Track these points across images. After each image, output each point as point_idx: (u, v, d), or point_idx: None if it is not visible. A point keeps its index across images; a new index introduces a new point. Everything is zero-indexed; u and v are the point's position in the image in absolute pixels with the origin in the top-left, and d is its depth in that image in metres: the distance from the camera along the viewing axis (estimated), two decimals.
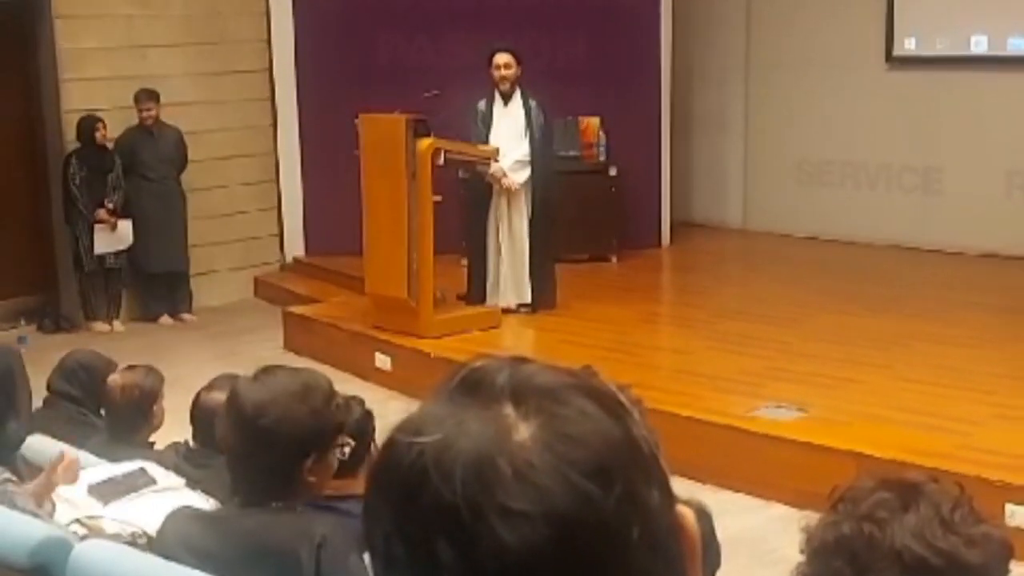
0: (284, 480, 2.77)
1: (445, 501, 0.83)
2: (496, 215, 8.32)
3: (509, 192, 8.23)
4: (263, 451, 2.70)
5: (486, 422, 0.85)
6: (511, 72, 8.18)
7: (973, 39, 10.12)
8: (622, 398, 0.91)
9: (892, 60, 10.51)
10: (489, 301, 8.35)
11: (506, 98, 8.26)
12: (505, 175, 8.13)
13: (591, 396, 0.88)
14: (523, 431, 0.85)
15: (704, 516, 0.92)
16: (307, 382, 2.80)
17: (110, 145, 9.38)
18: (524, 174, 8.20)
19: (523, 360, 0.91)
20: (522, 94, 8.25)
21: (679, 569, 0.90)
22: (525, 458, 0.83)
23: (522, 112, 8.23)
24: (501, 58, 8.19)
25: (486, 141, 8.17)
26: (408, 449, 0.87)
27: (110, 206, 9.29)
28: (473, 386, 0.89)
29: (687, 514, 0.92)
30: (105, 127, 9.24)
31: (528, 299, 8.35)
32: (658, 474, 0.89)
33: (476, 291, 8.40)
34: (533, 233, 8.28)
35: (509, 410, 0.86)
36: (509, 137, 8.17)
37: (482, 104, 8.27)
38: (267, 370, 2.80)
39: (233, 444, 2.71)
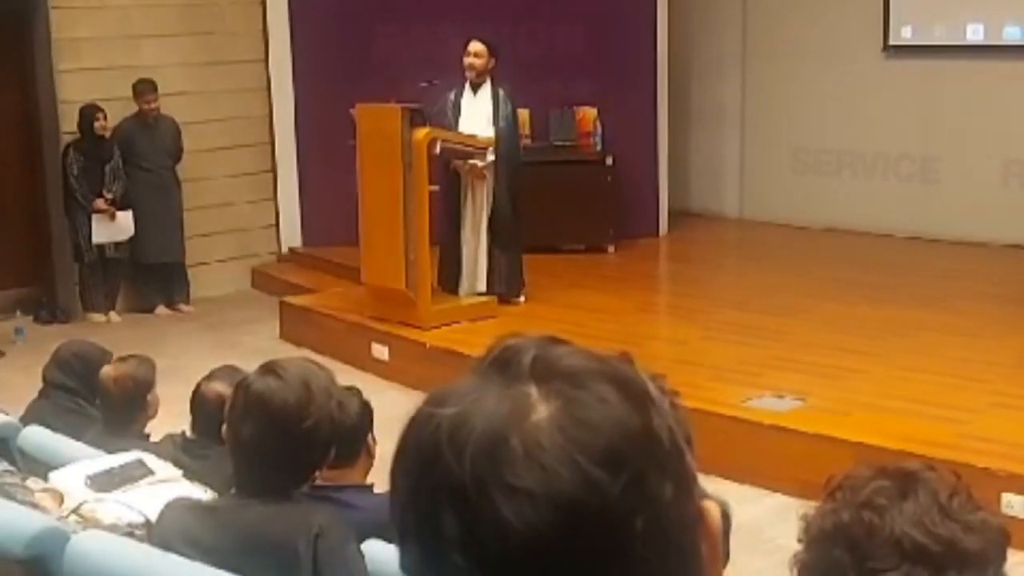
0: (305, 475, 2.81)
1: (454, 475, 0.83)
2: (464, 203, 8.30)
3: (474, 178, 8.20)
4: (297, 449, 2.72)
5: (505, 400, 0.86)
6: (480, 62, 8.13)
7: (969, 27, 10.11)
8: (651, 388, 0.90)
9: (888, 49, 10.50)
10: (459, 290, 8.31)
11: (475, 87, 8.22)
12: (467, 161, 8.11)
13: (615, 383, 0.88)
14: (540, 411, 0.85)
15: (724, 517, 0.91)
16: (324, 376, 2.83)
17: (108, 135, 9.35)
18: (487, 160, 8.14)
19: (555, 341, 0.92)
20: (492, 84, 8.22)
21: (695, 564, 0.90)
22: (537, 438, 0.83)
23: (490, 102, 8.20)
24: (472, 46, 8.15)
25: (455, 130, 8.16)
26: (427, 421, 0.87)
27: (108, 196, 9.28)
28: (501, 364, 0.89)
29: (712, 510, 0.91)
30: (105, 117, 9.22)
31: (483, 288, 8.31)
32: (676, 468, 0.88)
33: (448, 280, 8.33)
34: (494, 222, 8.25)
35: (531, 390, 0.86)
36: (476, 126, 8.12)
37: (452, 94, 8.24)
38: (279, 364, 2.80)
39: (260, 441, 2.69)
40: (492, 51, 8.17)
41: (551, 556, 0.82)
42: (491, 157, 8.13)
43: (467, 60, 8.14)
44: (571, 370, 0.88)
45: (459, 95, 8.23)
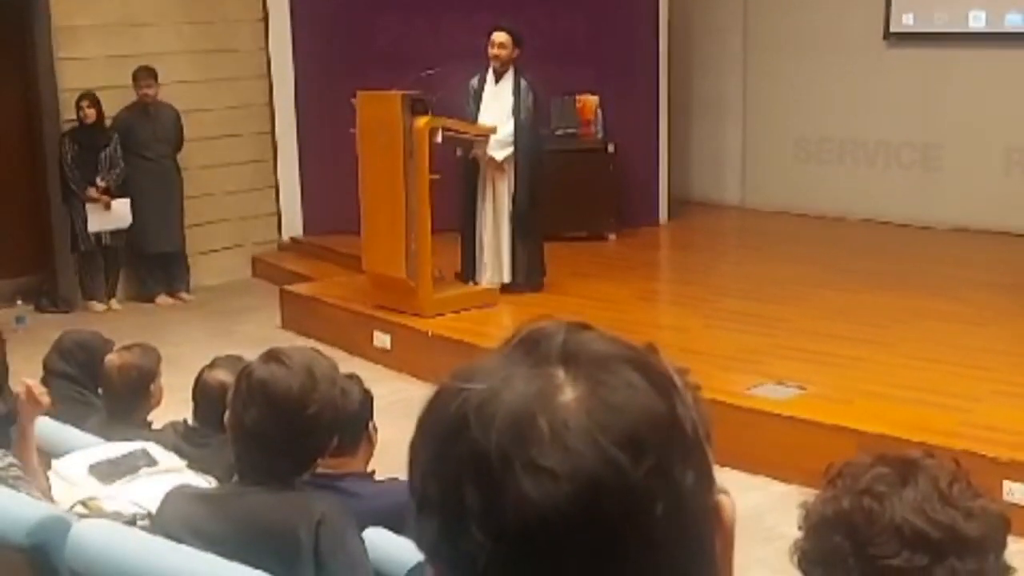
0: (308, 462, 2.81)
1: (479, 448, 0.85)
2: (483, 194, 8.32)
3: (494, 171, 8.22)
4: (300, 437, 2.72)
5: (533, 380, 0.87)
6: (504, 52, 8.14)
7: (971, 14, 10.09)
8: (676, 379, 0.92)
9: (890, 36, 10.48)
10: (479, 279, 8.35)
11: (498, 76, 8.23)
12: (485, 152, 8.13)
13: (642, 370, 0.89)
14: (568, 393, 0.86)
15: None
16: (328, 364, 2.83)
17: (101, 122, 9.33)
18: (505, 152, 8.17)
19: (583, 326, 0.93)
20: (515, 74, 8.22)
21: (709, 555, 0.91)
22: (563, 419, 0.84)
23: (511, 93, 8.20)
24: (497, 36, 8.16)
25: (476, 119, 8.16)
26: (454, 394, 0.89)
27: (101, 184, 9.27)
28: (530, 345, 0.91)
29: (726, 504, 0.92)
30: (92, 105, 9.18)
31: (508, 279, 8.34)
32: (697, 457, 0.89)
33: (467, 269, 8.40)
34: (514, 213, 8.26)
35: (559, 372, 0.87)
36: (496, 116, 8.14)
37: (475, 81, 8.26)
38: (283, 352, 2.80)
39: (263, 429, 2.69)
40: (516, 41, 8.17)
41: (570, 535, 0.83)
42: (509, 149, 8.13)
43: (492, 51, 8.14)
44: (599, 355, 0.89)
45: (481, 83, 8.23)
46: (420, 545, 0.90)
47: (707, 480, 0.90)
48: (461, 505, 0.85)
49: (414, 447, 0.92)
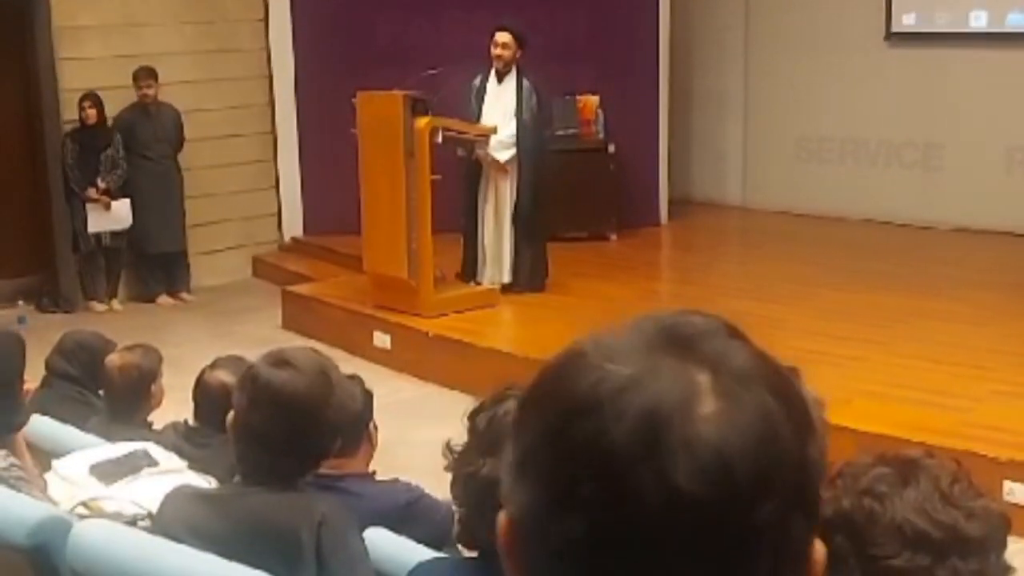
0: (312, 464, 2.81)
1: (607, 438, 0.82)
2: (485, 195, 8.31)
3: (496, 172, 8.21)
4: (307, 439, 2.73)
5: (678, 382, 0.84)
6: (508, 52, 8.13)
7: (972, 14, 10.09)
8: (812, 413, 0.89)
9: (891, 36, 10.48)
10: (480, 280, 8.35)
11: (500, 77, 8.22)
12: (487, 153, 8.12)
13: (782, 399, 0.86)
14: (707, 405, 0.83)
15: None
16: (330, 365, 2.84)
17: (103, 123, 9.33)
18: (508, 154, 8.16)
19: (734, 331, 0.90)
20: (518, 75, 8.21)
21: None
22: (698, 431, 0.82)
23: (514, 93, 8.19)
24: (500, 36, 8.15)
25: (478, 119, 8.15)
26: (590, 370, 0.85)
27: (101, 185, 9.27)
28: (679, 339, 0.87)
29: (820, 550, 0.90)
30: (93, 105, 9.18)
31: (508, 279, 8.34)
32: (812, 504, 0.87)
33: (468, 269, 8.40)
34: (516, 214, 8.26)
35: (703, 378, 0.84)
36: (499, 116, 8.13)
37: (477, 81, 8.24)
38: (287, 354, 2.80)
39: (270, 432, 2.69)
40: (520, 41, 8.15)
41: (672, 547, 0.81)
42: (512, 151, 8.12)
43: (495, 51, 8.13)
44: (744, 371, 0.86)
45: (484, 82, 8.22)
46: (505, 503, 0.88)
47: (814, 523, 0.88)
48: (569, 491, 0.82)
49: (526, 407, 0.88)
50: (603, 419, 0.82)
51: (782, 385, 0.87)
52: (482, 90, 8.23)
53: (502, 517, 0.89)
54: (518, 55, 8.17)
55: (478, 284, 8.35)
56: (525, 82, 8.18)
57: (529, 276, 8.38)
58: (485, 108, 8.19)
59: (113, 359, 4.37)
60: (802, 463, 0.85)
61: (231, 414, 2.78)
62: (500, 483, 0.90)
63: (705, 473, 0.81)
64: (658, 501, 0.80)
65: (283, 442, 2.71)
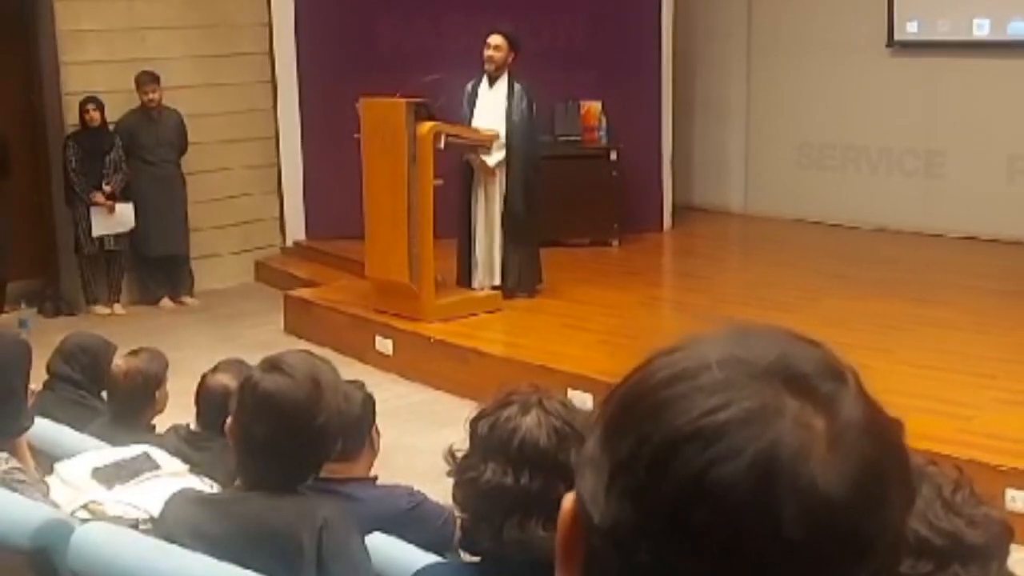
0: (313, 470, 2.81)
1: (717, 472, 0.79)
2: (476, 198, 8.31)
3: (486, 176, 8.20)
4: (307, 447, 2.73)
5: (797, 426, 0.81)
6: (499, 55, 8.12)
7: (975, 23, 10.09)
8: (914, 477, 0.88)
9: (894, 44, 10.49)
10: (472, 283, 8.34)
11: (492, 80, 8.21)
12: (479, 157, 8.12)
13: (893, 458, 0.85)
14: (820, 452, 0.81)
15: None
16: (329, 369, 2.83)
17: (105, 126, 9.35)
18: (496, 157, 8.14)
19: (840, 374, 0.86)
20: (509, 78, 8.20)
21: None
22: (811, 481, 0.80)
23: (505, 96, 8.18)
24: (492, 39, 8.15)
25: (469, 123, 8.15)
26: (704, 396, 0.82)
27: (107, 188, 9.28)
28: (796, 378, 0.83)
29: None
30: (97, 108, 9.20)
31: (498, 282, 8.32)
32: (897, 563, 0.86)
33: (463, 274, 8.38)
34: (507, 218, 8.25)
35: (819, 423, 0.82)
36: (489, 120, 8.11)
37: (469, 85, 8.24)
38: (284, 360, 2.79)
39: (270, 440, 2.68)
40: (512, 44, 8.14)
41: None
42: (501, 154, 8.12)
43: (486, 52, 8.12)
44: (858, 421, 0.84)
45: (476, 86, 8.22)
46: (580, 493, 0.85)
47: (897, 560, 0.87)
48: (666, 516, 0.80)
49: (623, 416, 0.85)
50: (717, 452, 0.79)
51: (894, 443, 0.86)
52: (474, 94, 8.23)
53: (567, 504, 0.87)
54: (510, 58, 8.16)
55: (471, 288, 8.33)
56: (516, 85, 8.16)
57: (518, 279, 8.34)
58: (476, 112, 8.17)
59: (119, 364, 4.37)
60: (901, 526, 0.85)
61: (229, 420, 2.78)
62: (575, 469, 0.87)
63: (813, 524, 0.79)
64: (759, 543, 0.79)
65: (284, 451, 2.71)
